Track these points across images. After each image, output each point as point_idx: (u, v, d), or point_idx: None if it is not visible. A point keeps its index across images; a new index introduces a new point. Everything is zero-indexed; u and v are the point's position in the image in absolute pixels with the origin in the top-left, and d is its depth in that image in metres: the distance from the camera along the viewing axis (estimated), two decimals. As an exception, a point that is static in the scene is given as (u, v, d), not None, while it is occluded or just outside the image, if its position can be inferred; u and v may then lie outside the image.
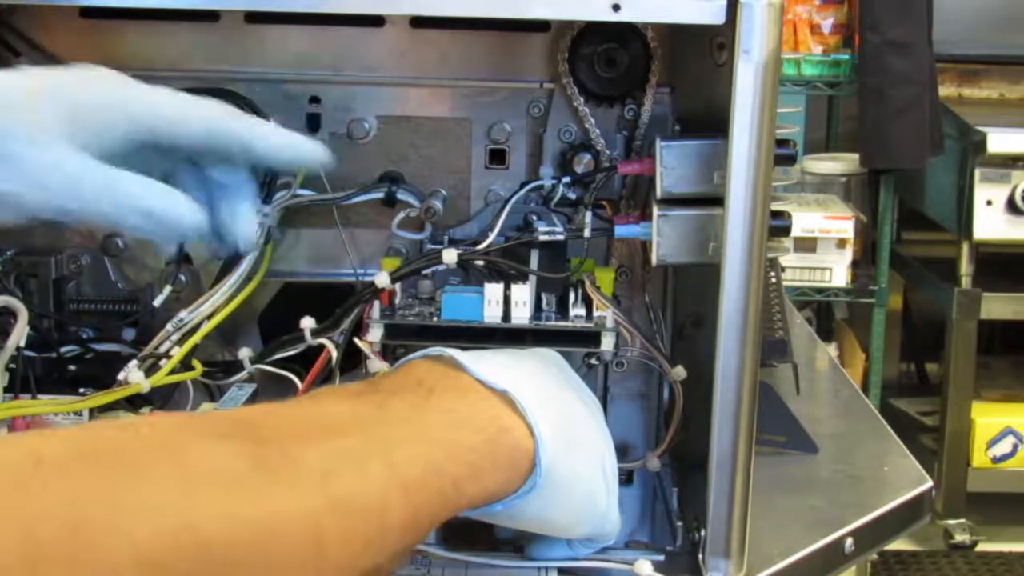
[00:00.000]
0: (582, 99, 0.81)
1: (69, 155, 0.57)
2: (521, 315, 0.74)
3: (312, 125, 0.83)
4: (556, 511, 0.65)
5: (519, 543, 0.74)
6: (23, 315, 0.78)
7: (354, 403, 0.59)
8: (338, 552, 0.52)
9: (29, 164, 0.56)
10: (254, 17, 0.81)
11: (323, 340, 0.76)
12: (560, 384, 0.69)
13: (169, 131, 0.61)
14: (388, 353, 0.77)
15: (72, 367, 0.83)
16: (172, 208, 0.61)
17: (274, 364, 0.79)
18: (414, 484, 0.56)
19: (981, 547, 2.62)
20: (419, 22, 0.81)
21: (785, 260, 2.33)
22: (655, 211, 0.72)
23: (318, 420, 0.56)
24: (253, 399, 0.79)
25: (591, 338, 0.75)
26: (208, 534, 0.47)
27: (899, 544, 2.60)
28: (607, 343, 0.75)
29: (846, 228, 2.49)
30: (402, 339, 0.77)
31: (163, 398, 0.81)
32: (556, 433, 0.63)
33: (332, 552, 0.51)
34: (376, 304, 0.75)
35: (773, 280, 1.08)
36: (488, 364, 0.64)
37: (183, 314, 0.78)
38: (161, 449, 0.48)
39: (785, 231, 0.73)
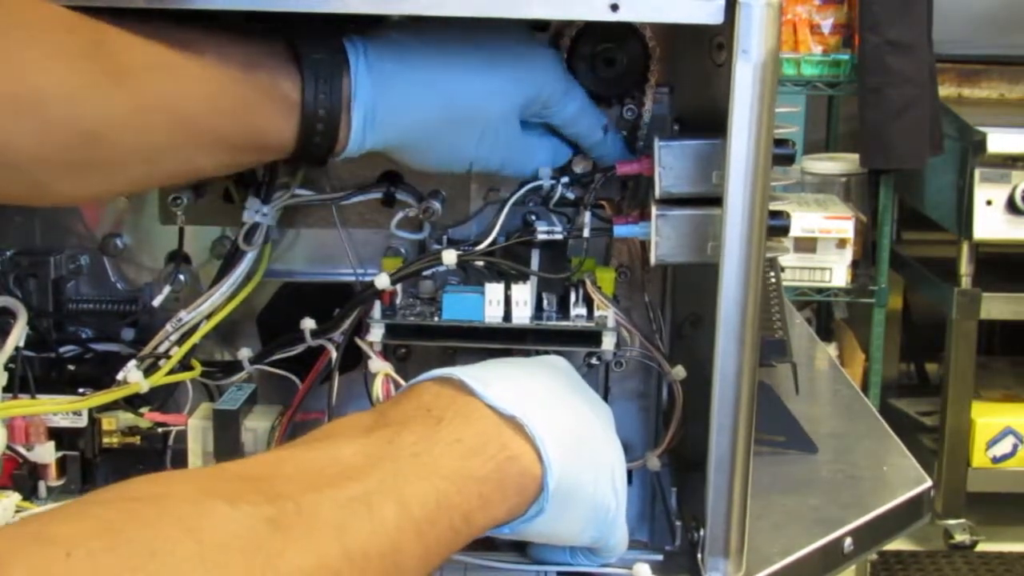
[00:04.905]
0: (581, 99, 0.80)
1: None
2: (522, 315, 0.74)
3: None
4: (562, 527, 0.66)
5: (519, 543, 0.73)
6: (23, 315, 0.78)
7: (365, 442, 0.60)
8: None
9: (505, 138, 0.75)
10: (254, 17, 0.80)
11: (323, 341, 0.77)
12: (569, 396, 0.69)
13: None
14: (389, 353, 0.77)
15: (71, 367, 0.83)
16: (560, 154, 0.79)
17: (273, 364, 0.79)
18: (426, 523, 0.57)
19: (981, 547, 2.62)
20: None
21: (785, 260, 2.33)
22: (654, 211, 0.72)
23: (331, 465, 0.57)
24: (252, 399, 0.79)
25: (592, 337, 0.75)
26: None
27: (899, 544, 2.60)
28: (608, 343, 0.74)
29: (846, 228, 2.48)
30: (403, 339, 0.77)
31: (162, 398, 0.81)
32: (565, 454, 0.64)
33: None
34: (377, 304, 0.75)
35: (772, 280, 1.08)
36: (497, 387, 0.64)
37: (182, 314, 0.78)
38: (178, 524, 0.49)
39: (784, 231, 0.72)
